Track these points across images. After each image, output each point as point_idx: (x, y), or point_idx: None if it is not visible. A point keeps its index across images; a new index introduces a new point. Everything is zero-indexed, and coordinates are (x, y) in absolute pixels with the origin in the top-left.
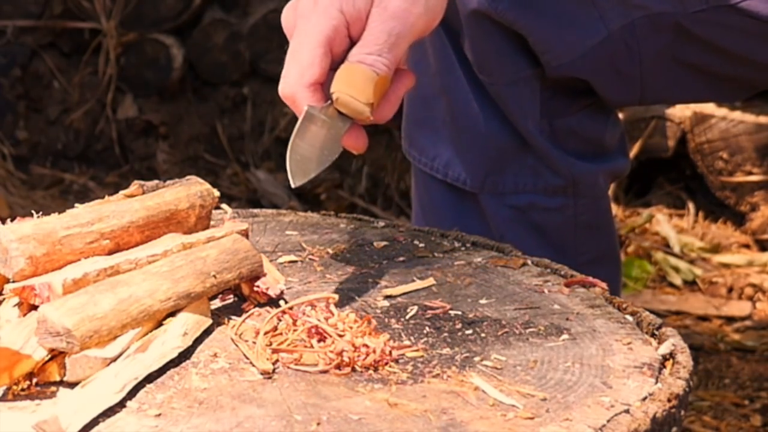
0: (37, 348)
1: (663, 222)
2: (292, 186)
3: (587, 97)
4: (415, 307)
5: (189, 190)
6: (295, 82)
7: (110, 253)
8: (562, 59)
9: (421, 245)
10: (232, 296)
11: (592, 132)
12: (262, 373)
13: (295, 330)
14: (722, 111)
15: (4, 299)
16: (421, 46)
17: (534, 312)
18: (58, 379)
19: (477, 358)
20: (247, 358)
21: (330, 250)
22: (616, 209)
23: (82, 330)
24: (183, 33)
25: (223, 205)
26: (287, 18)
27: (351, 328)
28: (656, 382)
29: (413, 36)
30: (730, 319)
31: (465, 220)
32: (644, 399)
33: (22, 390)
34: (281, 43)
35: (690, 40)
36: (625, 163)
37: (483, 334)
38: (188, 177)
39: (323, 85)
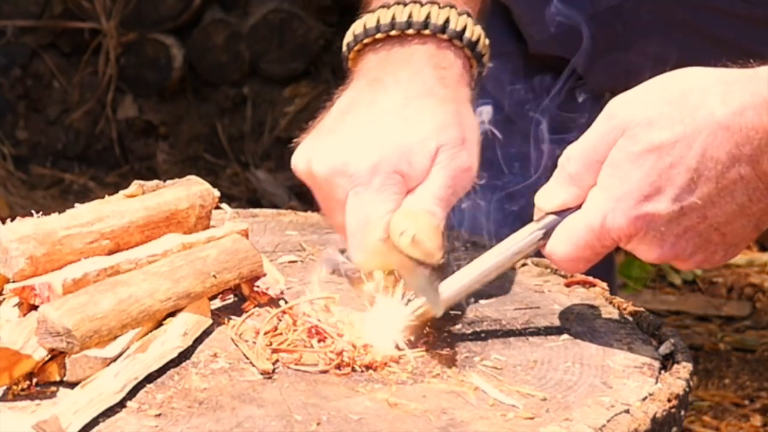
0: (37, 348)
1: None
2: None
3: (575, 78)
4: None
5: (189, 190)
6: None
7: (110, 253)
8: (544, 33)
9: None
10: (232, 296)
11: (579, 114)
12: (262, 373)
13: (295, 330)
14: None
15: (4, 299)
16: None
17: (534, 312)
18: (58, 379)
19: (477, 358)
20: (247, 358)
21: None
22: None
23: (82, 330)
24: (183, 33)
25: (223, 205)
26: (318, 165)
27: (351, 328)
28: (656, 382)
29: (463, 193)
30: (730, 319)
31: None
32: (644, 399)
33: (22, 390)
34: (281, 43)
35: (677, 27)
36: None
37: (483, 334)
38: (188, 177)
39: None
